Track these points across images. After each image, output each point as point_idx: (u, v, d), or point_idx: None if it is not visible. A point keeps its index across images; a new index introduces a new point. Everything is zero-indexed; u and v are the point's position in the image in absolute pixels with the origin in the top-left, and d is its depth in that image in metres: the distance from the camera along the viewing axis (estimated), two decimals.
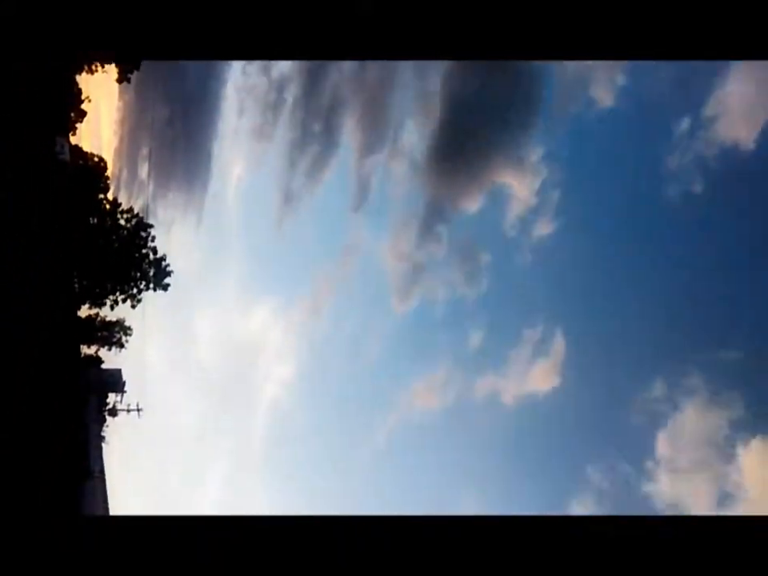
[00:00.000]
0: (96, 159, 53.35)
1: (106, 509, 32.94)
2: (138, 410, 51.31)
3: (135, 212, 54.11)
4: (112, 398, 49.36)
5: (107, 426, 49.65)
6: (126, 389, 49.42)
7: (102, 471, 35.41)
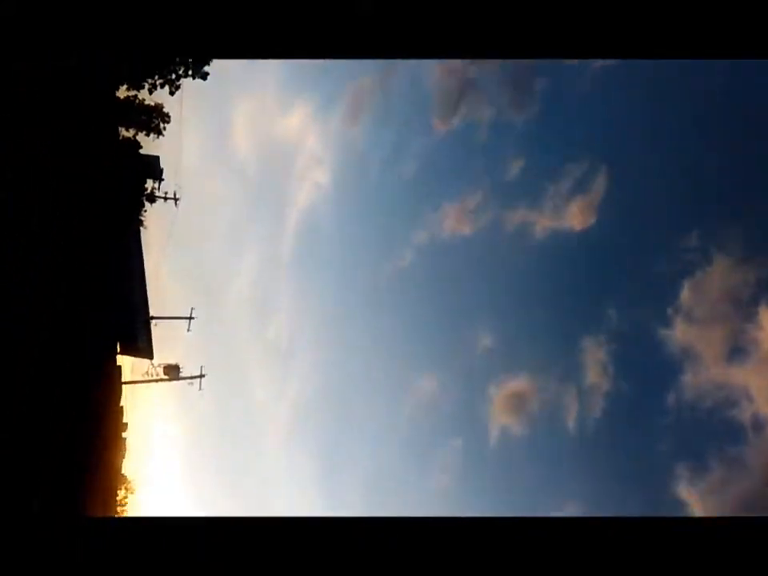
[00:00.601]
0: None
1: (143, 287, 35.96)
2: (176, 198, 52.79)
3: None
4: (149, 184, 50.58)
5: (145, 211, 51.48)
6: (163, 177, 50.46)
7: (140, 252, 37.93)
